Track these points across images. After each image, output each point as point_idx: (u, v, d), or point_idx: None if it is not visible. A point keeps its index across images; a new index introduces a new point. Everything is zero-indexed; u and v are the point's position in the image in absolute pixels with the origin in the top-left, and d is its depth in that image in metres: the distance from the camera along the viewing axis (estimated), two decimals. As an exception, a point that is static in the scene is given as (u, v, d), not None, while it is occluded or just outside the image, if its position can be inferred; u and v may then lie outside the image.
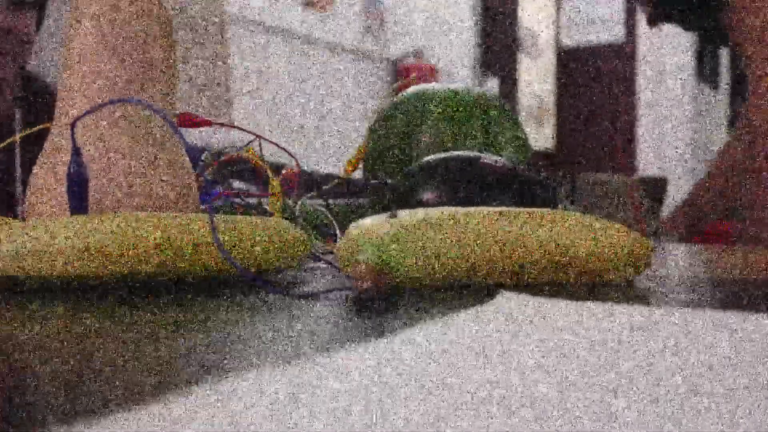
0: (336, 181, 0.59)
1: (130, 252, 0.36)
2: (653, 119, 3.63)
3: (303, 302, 0.34)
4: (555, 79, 3.88)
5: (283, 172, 0.68)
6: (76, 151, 0.39)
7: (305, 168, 2.10)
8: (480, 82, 3.98)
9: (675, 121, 3.60)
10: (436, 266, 0.37)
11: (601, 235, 0.40)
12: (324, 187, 0.52)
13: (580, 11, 3.81)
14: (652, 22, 0.91)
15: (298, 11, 3.20)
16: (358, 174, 3.03)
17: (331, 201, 0.71)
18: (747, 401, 0.17)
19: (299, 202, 0.70)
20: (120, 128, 0.44)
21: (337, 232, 0.52)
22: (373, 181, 0.57)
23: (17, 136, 0.48)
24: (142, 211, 0.43)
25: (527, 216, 0.39)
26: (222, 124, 0.52)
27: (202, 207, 0.56)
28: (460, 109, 0.58)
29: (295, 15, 3.17)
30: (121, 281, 0.37)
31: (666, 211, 3.60)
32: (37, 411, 0.17)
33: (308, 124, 3.27)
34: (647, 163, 3.65)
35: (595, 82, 3.79)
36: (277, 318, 0.30)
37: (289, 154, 0.50)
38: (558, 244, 0.39)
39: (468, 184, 0.45)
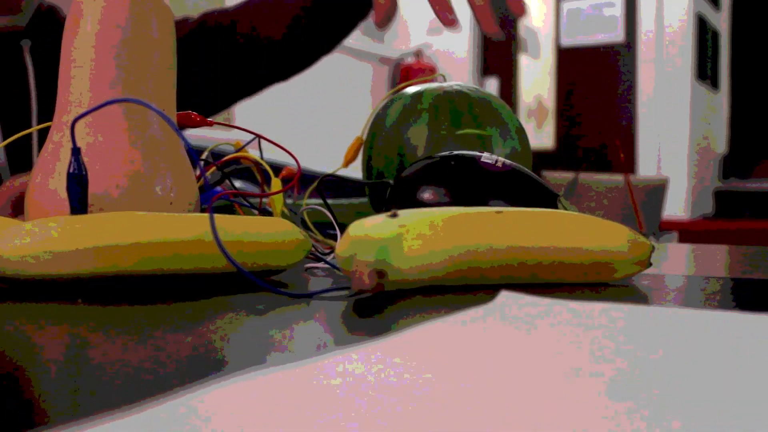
0: (328, 174, 0.59)
1: (131, 252, 0.36)
2: (653, 119, 3.63)
3: (303, 302, 0.34)
4: (555, 79, 3.87)
5: (283, 171, 0.68)
6: (76, 151, 0.39)
7: (305, 168, 2.10)
8: (480, 82, 3.98)
9: (675, 121, 3.60)
10: (436, 266, 0.37)
11: (601, 235, 0.40)
12: (317, 182, 0.52)
13: (580, 11, 3.81)
14: None
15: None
16: (357, 174, 3.03)
17: (331, 201, 0.71)
18: (747, 400, 0.17)
19: (299, 202, 0.70)
20: (120, 128, 0.44)
21: (337, 232, 0.52)
22: (373, 181, 0.57)
23: (14, 137, 0.48)
24: (142, 211, 0.43)
25: (527, 216, 0.39)
26: (222, 124, 0.52)
27: (203, 207, 0.56)
28: (458, 108, 0.58)
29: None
30: (122, 281, 0.37)
31: (666, 210, 3.60)
32: (37, 410, 0.17)
33: (308, 124, 3.27)
34: (647, 163, 3.65)
35: (595, 82, 3.78)
36: (277, 318, 0.30)
37: (290, 154, 0.50)
38: (557, 244, 0.39)
39: (468, 184, 0.45)
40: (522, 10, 0.60)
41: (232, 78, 0.91)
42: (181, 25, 0.91)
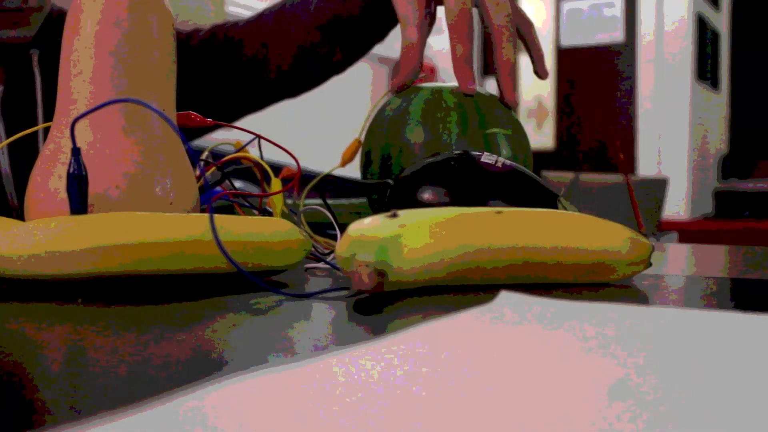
0: (325, 173, 0.59)
1: (131, 252, 0.36)
2: (653, 119, 3.63)
3: (302, 302, 0.34)
4: (555, 79, 3.87)
5: (283, 171, 0.68)
6: (76, 151, 0.39)
7: (305, 168, 2.10)
8: (480, 82, 3.98)
9: (675, 121, 3.60)
10: (436, 266, 0.37)
11: (601, 235, 0.40)
12: (314, 182, 0.52)
13: (580, 11, 3.81)
14: None
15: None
16: (356, 173, 3.04)
17: (331, 201, 0.71)
18: (747, 401, 0.17)
19: (299, 202, 0.70)
20: (120, 128, 0.44)
21: (337, 232, 0.52)
22: (373, 181, 0.57)
23: (12, 138, 0.48)
24: (142, 211, 0.43)
25: (527, 216, 0.39)
26: (222, 124, 0.52)
27: (203, 207, 0.56)
28: (457, 106, 0.58)
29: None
30: (122, 281, 0.37)
31: (666, 210, 3.60)
32: (37, 410, 0.17)
33: (308, 124, 3.27)
34: (647, 163, 3.65)
35: (595, 82, 3.78)
36: (277, 318, 0.30)
37: (289, 154, 0.50)
38: (558, 244, 0.39)
39: (468, 184, 0.45)
40: (516, 102, 0.62)
41: (239, 94, 0.90)
42: (191, 36, 0.90)
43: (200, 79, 0.89)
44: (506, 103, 0.61)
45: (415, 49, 0.62)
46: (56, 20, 0.86)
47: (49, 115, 0.82)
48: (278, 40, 0.85)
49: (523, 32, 0.67)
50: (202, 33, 0.90)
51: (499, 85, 0.61)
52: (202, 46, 0.89)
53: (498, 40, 0.61)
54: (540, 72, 0.68)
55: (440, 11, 3.89)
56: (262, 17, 0.87)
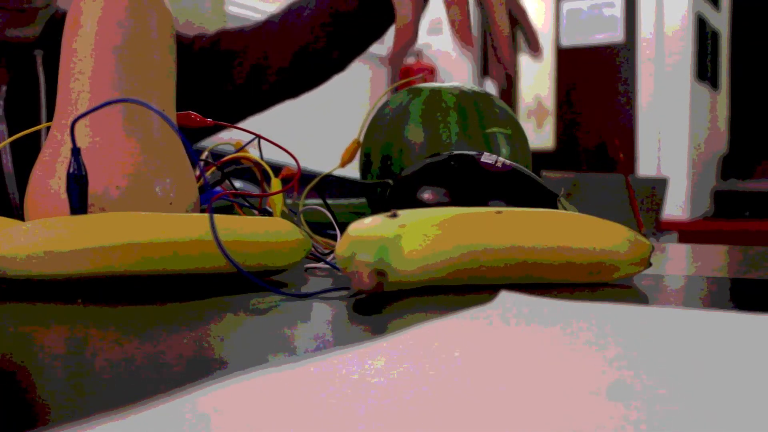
0: (325, 173, 0.59)
1: (131, 252, 0.36)
2: (653, 119, 3.63)
3: (302, 302, 0.34)
4: (555, 79, 3.87)
5: (283, 171, 0.68)
6: (76, 151, 0.39)
7: (304, 168, 2.10)
8: (480, 82, 3.97)
9: (675, 121, 3.60)
10: (436, 266, 0.36)
11: (601, 235, 0.40)
12: (314, 182, 0.52)
13: (580, 11, 3.81)
14: None
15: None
16: (355, 173, 3.03)
17: (331, 201, 0.71)
18: (747, 401, 0.17)
19: (299, 202, 0.70)
20: (120, 128, 0.44)
21: (337, 232, 0.52)
22: (373, 181, 0.57)
23: (14, 137, 0.48)
24: (142, 211, 0.43)
25: (526, 216, 0.39)
26: (222, 124, 0.52)
27: (203, 207, 0.56)
28: (457, 106, 0.58)
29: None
30: (122, 281, 0.37)
31: (666, 210, 3.60)
32: (37, 410, 0.17)
33: (308, 124, 3.27)
34: (647, 163, 3.65)
35: (595, 82, 3.78)
36: (277, 318, 0.30)
37: (289, 154, 0.50)
38: (557, 244, 0.39)
39: (468, 184, 0.45)
40: (501, 79, 0.62)
41: (241, 97, 0.90)
42: (195, 41, 0.90)
43: (203, 84, 0.90)
44: (501, 61, 0.62)
45: (409, 25, 0.63)
46: (60, 21, 0.86)
47: (52, 116, 0.83)
48: (280, 42, 0.86)
49: (515, 13, 0.68)
50: (205, 39, 0.91)
51: (495, 49, 0.62)
52: (205, 52, 0.90)
53: (491, 12, 0.62)
54: (533, 48, 0.68)
55: (437, 6, 3.89)
56: (267, 24, 0.89)
